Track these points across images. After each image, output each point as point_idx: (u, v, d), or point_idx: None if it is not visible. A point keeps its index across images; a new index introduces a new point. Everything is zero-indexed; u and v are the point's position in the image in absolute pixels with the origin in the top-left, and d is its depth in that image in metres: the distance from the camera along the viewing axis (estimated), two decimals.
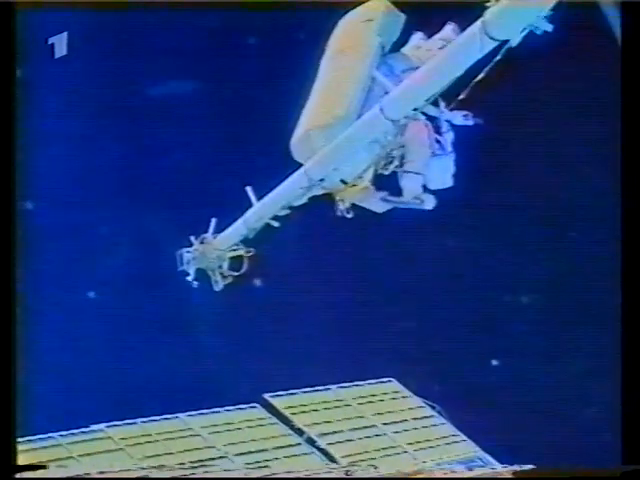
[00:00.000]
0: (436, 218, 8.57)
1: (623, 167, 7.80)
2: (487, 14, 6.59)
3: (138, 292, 15.47)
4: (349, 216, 8.24)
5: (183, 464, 13.73)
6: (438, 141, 7.82)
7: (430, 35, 7.92)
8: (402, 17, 8.01)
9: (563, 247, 16.03)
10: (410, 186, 7.95)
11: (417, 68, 7.51)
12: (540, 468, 13.47)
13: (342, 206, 8.21)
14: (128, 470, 13.00)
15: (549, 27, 6.45)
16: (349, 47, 7.94)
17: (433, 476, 12.87)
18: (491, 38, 6.63)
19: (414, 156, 7.83)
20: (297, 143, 8.01)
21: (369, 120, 7.61)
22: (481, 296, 16.22)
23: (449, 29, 7.71)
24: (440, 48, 7.53)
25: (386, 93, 7.58)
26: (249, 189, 8.93)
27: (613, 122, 7.93)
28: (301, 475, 13.69)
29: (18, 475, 9.23)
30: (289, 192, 8.46)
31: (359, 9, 8.10)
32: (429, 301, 16.30)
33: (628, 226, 7.80)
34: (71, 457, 13.42)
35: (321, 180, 8.07)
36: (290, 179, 8.33)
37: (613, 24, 7.91)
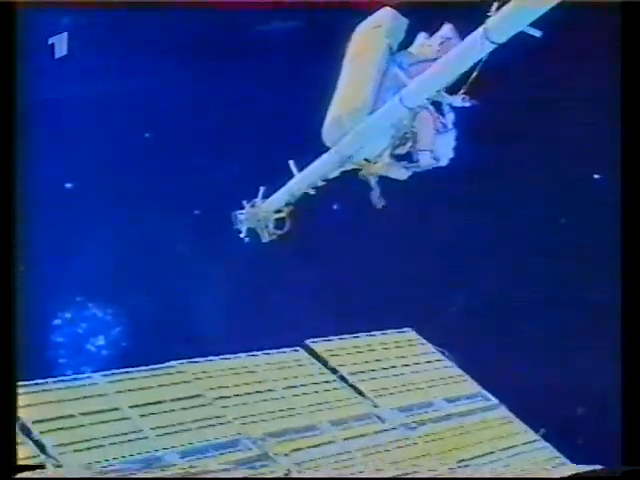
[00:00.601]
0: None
1: (623, 162, 6.30)
2: (489, 22, 6.34)
3: (197, 245, 13.77)
4: (381, 206, 7.90)
5: (239, 395, 12.88)
6: (441, 121, 7.53)
7: (431, 34, 7.54)
8: (405, 21, 7.68)
9: (561, 245, 13.90)
10: (423, 160, 7.63)
11: (421, 62, 7.38)
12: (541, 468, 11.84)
13: (376, 196, 7.87)
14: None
15: (538, 33, 6.14)
16: (363, 50, 7.67)
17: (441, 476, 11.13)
18: (491, 42, 6.42)
19: (423, 135, 7.55)
20: (326, 130, 7.81)
21: (389, 108, 7.41)
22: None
23: (447, 28, 7.47)
24: (440, 44, 7.39)
25: (404, 86, 7.35)
26: (292, 162, 8.50)
27: (614, 117, 6.38)
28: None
29: (18, 475, 7.68)
30: (324, 166, 8.17)
31: (370, 18, 7.78)
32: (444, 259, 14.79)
33: (628, 221, 6.22)
34: (150, 387, 12.50)
35: (349, 157, 7.87)
36: (325, 155, 8.05)
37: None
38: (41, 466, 9.40)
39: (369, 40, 7.63)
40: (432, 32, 7.49)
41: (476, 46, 6.51)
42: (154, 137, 14.70)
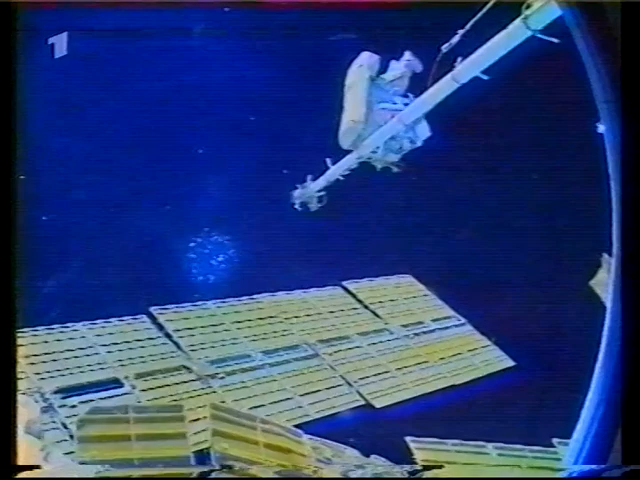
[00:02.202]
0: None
1: (623, 161, 4.11)
2: (456, 70, 6.19)
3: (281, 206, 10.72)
4: (395, 170, 7.69)
5: (298, 317, 11.46)
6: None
7: (398, 58, 7.18)
8: (378, 58, 7.32)
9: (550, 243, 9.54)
10: (407, 144, 7.44)
11: (394, 80, 7.09)
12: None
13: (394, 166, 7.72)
14: None
15: (486, 77, 5.92)
16: (354, 82, 7.29)
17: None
18: (456, 82, 6.29)
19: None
20: (340, 137, 7.54)
21: (392, 125, 7.18)
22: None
23: (407, 54, 7.14)
24: (405, 65, 7.04)
25: (385, 99, 7.25)
26: (328, 160, 8.16)
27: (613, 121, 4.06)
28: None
29: (18, 475, 5.08)
30: (348, 162, 7.85)
31: (356, 60, 7.38)
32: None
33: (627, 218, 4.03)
34: (244, 311, 11.26)
35: (362, 155, 7.65)
36: (348, 155, 7.79)
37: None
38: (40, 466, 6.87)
39: (357, 75, 7.28)
40: (398, 57, 7.15)
41: (447, 85, 6.46)
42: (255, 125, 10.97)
